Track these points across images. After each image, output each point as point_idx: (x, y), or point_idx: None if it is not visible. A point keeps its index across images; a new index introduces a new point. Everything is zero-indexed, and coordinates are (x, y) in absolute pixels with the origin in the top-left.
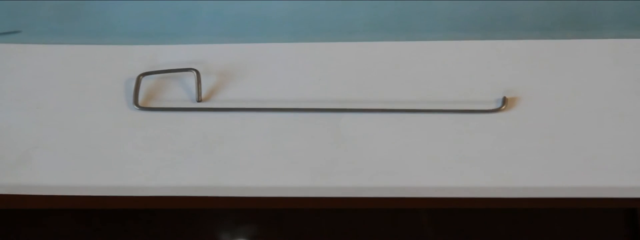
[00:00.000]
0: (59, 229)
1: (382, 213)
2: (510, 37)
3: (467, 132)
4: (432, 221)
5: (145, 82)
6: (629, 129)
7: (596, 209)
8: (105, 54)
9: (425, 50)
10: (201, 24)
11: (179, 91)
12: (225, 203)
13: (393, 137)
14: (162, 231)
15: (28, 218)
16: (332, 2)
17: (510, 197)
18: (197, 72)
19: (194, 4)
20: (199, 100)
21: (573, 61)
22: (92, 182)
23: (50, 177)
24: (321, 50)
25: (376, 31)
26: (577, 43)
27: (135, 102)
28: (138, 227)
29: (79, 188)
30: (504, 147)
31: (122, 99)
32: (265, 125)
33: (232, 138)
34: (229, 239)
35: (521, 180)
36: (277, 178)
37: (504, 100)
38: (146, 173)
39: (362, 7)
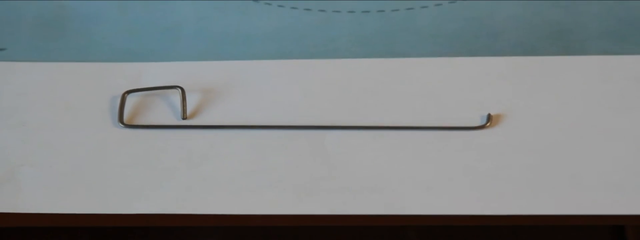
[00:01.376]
0: None
1: (369, 230)
2: (494, 54)
3: (452, 148)
4: (420, 238)
5: (130, 100)
6: (613, 146)
7: (583, 226)
8: (89, 71)
9: (409, 67)
10: (185, 41)
11: (164, 109)
12: (210, 221)
13: (378, 154)
14: None
15: (12, 236)
16: (315, 19)
17: (496, 214)
18: (182, 89)
19: (178, 22)
20: (184, 118)
21: (557, 78)
22: (77, 200)
23: (35, 195)
24: (305, 67)
25: (360, 48)
26: (561, 60)
27: (120, 119)
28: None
29: (64, 206)
30: (489, 163)
31: (107, 117)
32: (250, 143)
33: (217, 155)
34: None
35: (506, 197)
36: (261, 195)
37: (489, 117)
38: (131, 190)
39: (345, 24)
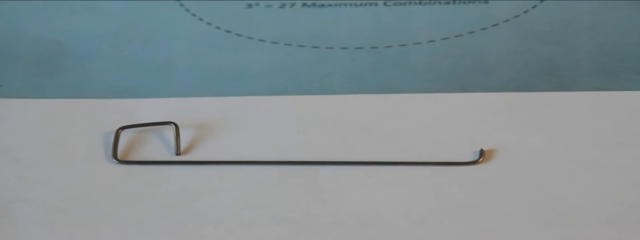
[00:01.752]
0: None
1: None
2: (488, 90)
3: (445, 184)
4: None
5: (124, 136)
6: (606, 182)
7: None
8: (84, 108)
9: (402, 103)
10: (179, 78)
11: (158, 145)
12: None
13: (371, 190)
14: None
15: None
16: (309, 55)
17: None
18: (176, 125)
19: (172, 58)
20: (178, 154)
21: (550, 113)
22: (71, 236)
23: (29, 231)
24: (299, 103)
25: (353, 84)
26: (553, 95)
27: (114, 155)
28: None
29: None
30: (482, 199)
31: (101, 153)
32: (244, 179)
33: (211, 191)
34: None
35: (498, 233)
36: (256, 232)
37: (482, 153)
38: (125, 227)
39: (339, 60)
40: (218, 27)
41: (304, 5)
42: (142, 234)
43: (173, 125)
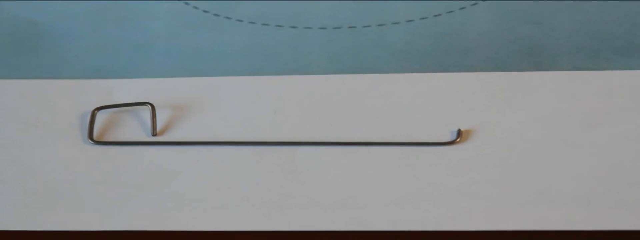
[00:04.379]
0: None
1: None
2: (466, 70)
3: (422, 164)
4: None
5: (100, 117)
6: (583, 161)
7: None
8: (60, 88)
9: (380, 83)
10: (156, 58)
11: (134, 125)
12: (180, 238)
13: (348, 170)
14: None
15: None
16: (287, 35)
17: (465, 230)
18: (152, 106)
19: (149, 38)
20: (154, 135)
21: (528, 93)
22: (46, 217)
23: (3, 212)
24: (276, 83)
25: (331, 64)
26: (531, 75)
27: (90, 136)
28: None
29: (33, 223)
30: (459, 179)
31: (77, 133)
32: (220, 159)
33: (187, 172)
34: None
35: (476, 213)
36: (231, 212)
37: (459, 133)
38: (101, 207)
39: (317, 40)
40: (195, 7)
41: None
42: (117, 215)
43: (149, 106)
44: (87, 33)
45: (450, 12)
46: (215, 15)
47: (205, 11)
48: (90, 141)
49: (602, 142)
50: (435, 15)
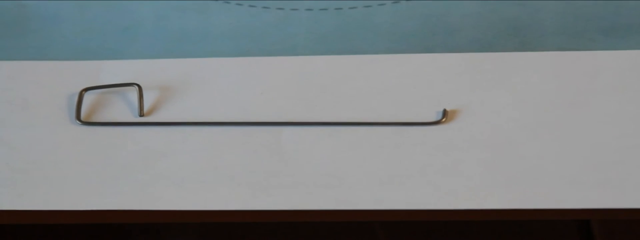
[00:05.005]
0: None
1: (337, 227)
2: (451, 50)
3: (408, 144)
4: (387, 235)
5: (88, 97)
6: (568, 141)
7: (549, 224)
8: (48, 69)
9: (366, 64)
10: (144, 40)
11: (121, 106)
12: (165, 217)
13: (334, 150)
14: None
15: None
16: (273, 17)
17: (451, 208)
18: (139, 87)
19: (137, 21)
20: (141, 115)
21: (513, 74)
22: (34, 197)
23: None
24: (262, 64)
25: (317, 46)
26: (516, 55)
27: (78, 117)
28: None
29: (20, 203)
30: (445, 158)
31: (65, 114)
32: (206, 139)
33: (174, 152)
34: None
35: (461, 192)
36: (217, 192)
37: (445, 113)
38: (88, 187)
39: (303, 22)
40: None
41: None
42: (104, 194)
43: (136, 87)
44: (75, 15)
45: None
46: None
47: None
48: (77, 122)
49: (586, 121)
50: None
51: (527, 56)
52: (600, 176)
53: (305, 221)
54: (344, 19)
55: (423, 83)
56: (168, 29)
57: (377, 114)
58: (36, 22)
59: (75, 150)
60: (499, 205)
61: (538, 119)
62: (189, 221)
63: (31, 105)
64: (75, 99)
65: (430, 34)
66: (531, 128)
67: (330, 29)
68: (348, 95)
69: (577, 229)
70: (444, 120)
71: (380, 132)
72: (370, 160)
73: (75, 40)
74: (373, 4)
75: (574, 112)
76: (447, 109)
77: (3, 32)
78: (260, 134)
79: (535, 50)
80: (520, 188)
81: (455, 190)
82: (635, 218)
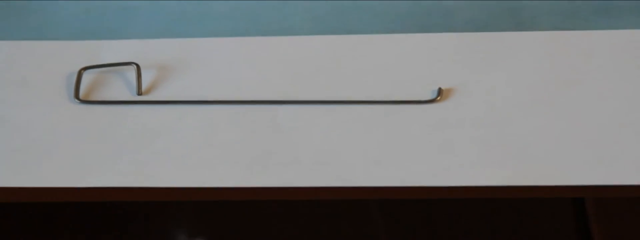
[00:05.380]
0: None
1: (333, 205)
2: (447, 31)
3: (403, 122)
4: (382, 212)
5: (87, 77)
6: (562, 119)
7: (544, 202)
8: (46, 49)
9: (361, 43)
10: (141, 20)
11: (120, 85)
12: (163, 195)
13: (329, 129)
14: (101, 224)
15: None
16: None
17: (446, 185)
18: (137, 66)
19: (135, 1)
20: (139, 94)
21: (507, 53)
22: (32, 174)
23: None
24: (259, 44)
25: (314, 26)
26: (511, 35)
27: (76, 95)
28: (75, 219)
29: (19, 180)
30: (440, 137)
31: (64, 93)
32: (204, 118)
33: (171, 130)
34: (170, 231)
35: (456, 169)
36: (214, 169)
37: (439, 91)
38: (86, 165)
39: (299, 2)
40: None
41: None
42: (102, 172)
43: (135, 66)
44: None
45: None
46: None
47: None
48: (76, 100)
49: (580, 100)
50: None
51: (522, 36)
52: (594, 154)
53: (302, 200)
54: (340, 1)
55: (418, 62)
56: (166, 9)
57: (373, 93)
58: (36, 2)
59: (74, 128)
60: (493, 182)
61: (532, 97)
62: (186, 199)
63: (30, 84)
64: (74, 78)
65: (426, 14)
66: (526, 107)
67: (327, 9)
68: (344, 75)
69: (571, 207)
70: (439, 98)
71: (376, 110)
72: (365, 138)
73: (75, 20)
74: None
75: (568, 90)
76: (442, 87)
77: (3, 12)
78: (256, 113)
79: (530, 30)
80: (514, 166)
81: (450, 168)
82: (630, 195)
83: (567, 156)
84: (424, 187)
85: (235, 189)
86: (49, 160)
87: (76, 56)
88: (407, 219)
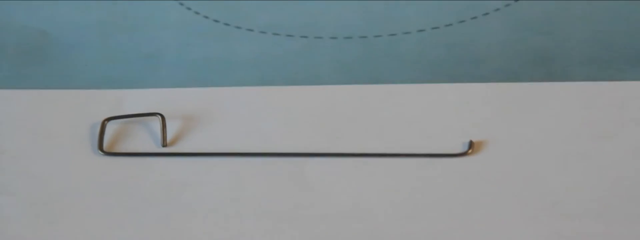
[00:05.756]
0: None
1: None
2: (477, 80)
3: (434, 176)
4: None
5: (110, 127)
6: (597, 174)
7: None
8: (70, 98)
9: (391, 93)
10: (166, 68)
11: (144, 136)
12: None
13: (358, 182)
14: None
15: None
16: (297, 45)
17: None
18: (162, 117)
19: (159, 48)
20: (164, 145)
21: (540, 104)
22: (56, 230)
23: (13, 225)
24: (287, 94)
25: (342, 75)
26: (544, 86)
27: (100, 147)
28: None
29: (43, 236)
30: (471, 192)
31: (87, 144)
32: (230, 170)
33: (197, 183)
34: None
35: (488, 226)
36: (242, 224)
37: (471, 144)
38: (111, 219)
39: (328, 50)
40: (206, 16)
41: None
42: (127, 227)
43: (159, 117)
44: (97, 43)
45: (462, 22)
46: (226, 24)
47: (215, 21)
48: (100, 152)
49: (615, 154)
50: (447, 25)
51: (554, 86)
52: (629, 211)
53: None
54: (369, 48)
55: (448, 113)
56: (191, 57)
57: (402, 145)
58: (57, 50)
59: (98, 181)
60: (523, 239)
61: (566, 151)
62: None
63: (53, 135)
64: (98, 128)
65: (456, 63)
66: (559, 160)
67: (355, 58)
68: (372, 126)
69: None
70: (470, 151)
71: (406, 163)
72: (395, 192)
73: (97, 68)
74: (398, 32)
75: (603, 144)
76: (473, 140)
77: (23, 60)
78: (284, 165)
79: (562, 80)
80: (550, 223)
81: (482, 225)
82: None
83: (606, 213)
84: None
85: None
86: (71, 214)
87: (99, 105)
88: None
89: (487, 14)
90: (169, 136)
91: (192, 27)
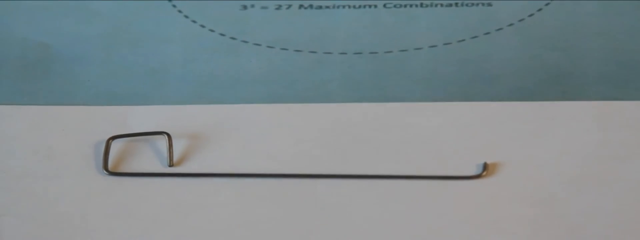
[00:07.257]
0: None
1: None
2: (491, 98)
3: (447, 199)
4: None
5: (115, 146)
6: (614, 196)
7: None
8: (73, 115)
9: (403, 112)
10: (172, 83)
11: (150, 155)
12: None
13: (370, 204)
14: None
15: None
16: (306, 61)
17: None
18: (169, 135)
19: (164, 63)
20: (171, 165)
21: (556, 124)
22: None
23: None
24: (296, 111)
25: (352, 92)
26: (559, 105)
27: (105, 166)
28: None
29: None
30: (485, 215)
31: (91, 164)
32: (239, 191)
33: (205, 204)
34: None
35: None
36: None
37: (485, 166)
38: None
39: (337, 66)
40: (211, 30)
41: (300, 7)
42: None
43: (166, 136)
44: (101, 57)
45: (475, 37)
46: (232, 38)
47: (221, 35)
48: (105, 172)
49: (633, 175)
50: (459, 41)
51: (570, 106)
52: None
53: None
54: (379, 64)
55: (462, 133)
56: (197, 72)
57: (414, 166)
58: (60, 64)
59: (103, 201)
60: None
61: (583, 172)
62: None
63: (56, 154)
64: (102, 147)
65: (469, 80)
66: (576, 182)
67: (365, 74)
68: (383, 146)
69: None
70: (484, 174)
71: (418, 185)
72: (408, 215)
73: (101, 83)
74: (409, 48)
75: (621, 165)
76: (488, 161)
77: (25, 75)
78: (295, 186)
79: (578, 99)
80: None
81: None
82: None
83: (621, 236)
84: None
85: None
86: (76, 236)
87: (104, 123)
88: None
89: (500, 29)
90: (176, 155)
91: (197, 41)
